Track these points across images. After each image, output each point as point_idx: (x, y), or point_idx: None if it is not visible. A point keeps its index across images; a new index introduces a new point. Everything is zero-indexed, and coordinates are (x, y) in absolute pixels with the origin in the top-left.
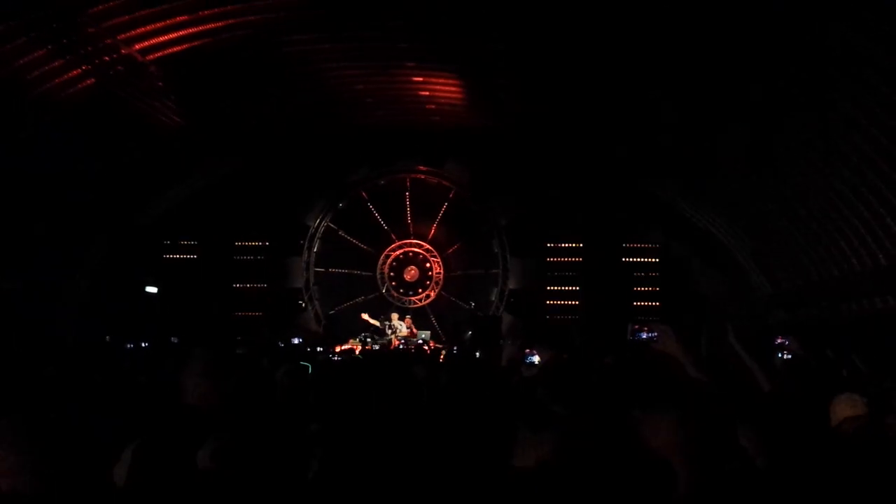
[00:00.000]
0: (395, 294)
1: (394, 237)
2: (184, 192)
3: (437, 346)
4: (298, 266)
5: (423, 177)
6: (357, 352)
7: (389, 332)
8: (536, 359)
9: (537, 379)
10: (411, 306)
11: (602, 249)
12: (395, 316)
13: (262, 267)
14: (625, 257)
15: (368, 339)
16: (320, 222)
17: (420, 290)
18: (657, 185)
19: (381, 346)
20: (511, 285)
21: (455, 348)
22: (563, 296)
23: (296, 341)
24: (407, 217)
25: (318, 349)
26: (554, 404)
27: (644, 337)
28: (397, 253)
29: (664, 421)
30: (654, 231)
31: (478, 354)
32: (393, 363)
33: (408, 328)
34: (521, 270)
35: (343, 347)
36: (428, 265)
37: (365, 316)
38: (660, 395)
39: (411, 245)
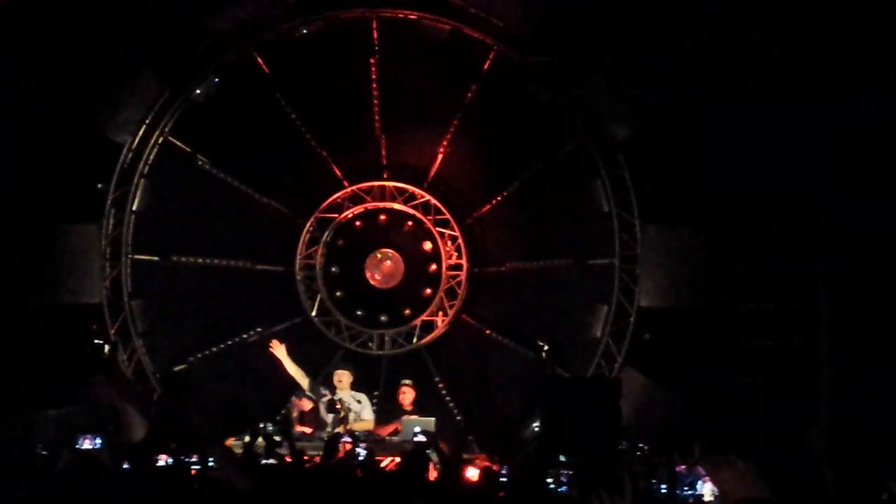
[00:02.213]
0: (343, 318)
1: (338, 173)
2: None
3: (450, 451)
4: (91, 249)
5: (413, 16)
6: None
7: (330, 416)
8: (707, 489)
9: None
10: (384, 352)
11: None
12: (343, 378)
13: None
14: None
15: (275, 436)
16: (148, 135)
17: (407, 311)
18: None
19: (311, 452)
20: (644, 299)
21: (501, 466)
22: (784, 324)
23: (88, 443)
24: (373, 121)
25: (152, 459)
26: None
27: None
28: (350, 214)
29: None
30: None
31: (554, 481)
32: None
33: (372, 409)
34: (672, 260)
35: (209, 458)
36: (428, 247)
37: (279, 351)
38: None
39: (386, 195)
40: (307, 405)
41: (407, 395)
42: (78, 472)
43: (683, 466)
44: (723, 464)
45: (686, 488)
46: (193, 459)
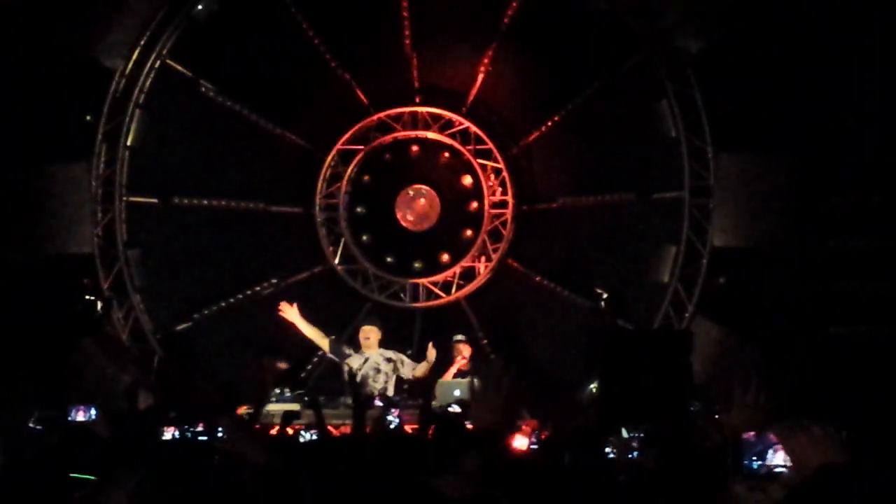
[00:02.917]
0: (371, 266)
1: (363, 98)
2: None
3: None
4: (79, 191)
5: None
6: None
7: (350, 375)
8: (780, 458)
9: None
10: (421, 305)
11: None
12: (370, 335)
13: None
14: None
15: (294, 403)
16: (143, 59)
17: (445, 256)
18: None
19: (334, 422)
20: (718, 239)
21: (548, 430)
22: (880, 266)
23: (81, 415)
24: (402, 38)
25: (161, 433)
26: None
27: None
28: (377, 145)
29: None
30: None
31: (620, 448)
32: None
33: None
34: (751, 193)
35: (218, 428)
36: (467, 182)
37: (290, 314)
38: None
39: (418, 122)
40: (282, 366)
41: (465, 352)
42: (71, 446)
43: (752, 433)
44: (796, 429)
45: (755, 458)
46: (199, 429)
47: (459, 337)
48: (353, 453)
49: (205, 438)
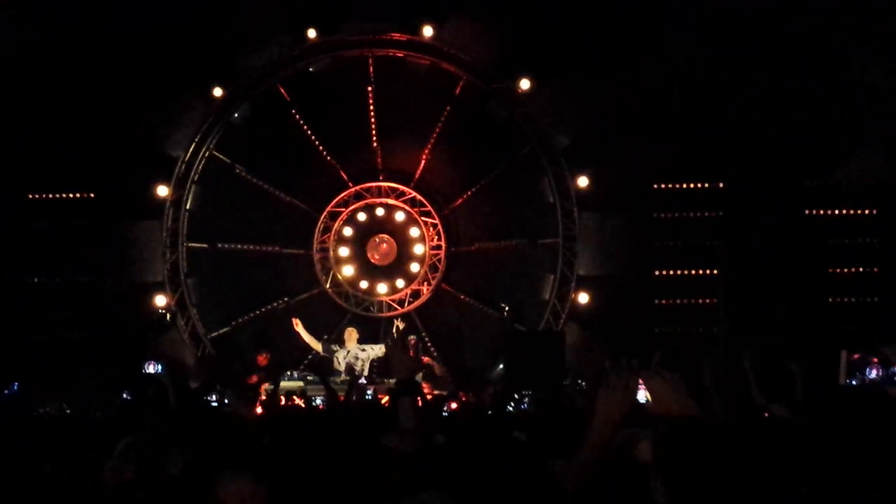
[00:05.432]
0: (351, 289)
1: (345, 176)
2: None
3: (436, 393)
4: (154, 239)
5: (401, 54)
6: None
7: (340, 365)
8: (642, 395)
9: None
10: (384, 315)
11: (765, 193)
12: (351, 334)
13: (79, 242)
14: (813, 209)
15: (299, 381)
16: (197, 150)
17: (399, 283)
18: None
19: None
20: (582, 269)
21: (472, 395)
22: (687, 287)
23: (152, 368)
24: (370, 135)
25: (207, 397)
26: None
27: (875, 376)
28: (353, 208)
29: None
30: (867, 157)
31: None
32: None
33: (377, 356)
34: (603, 239)
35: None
36: (415, 232)
37: (298, 327)
38: None
39: (381, 193)
40: (262, 357)
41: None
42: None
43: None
44: (654, 374)
45: None
46: (213, 398)
47: (413, 336)
48: (325, 418)
49: (215, 404)
